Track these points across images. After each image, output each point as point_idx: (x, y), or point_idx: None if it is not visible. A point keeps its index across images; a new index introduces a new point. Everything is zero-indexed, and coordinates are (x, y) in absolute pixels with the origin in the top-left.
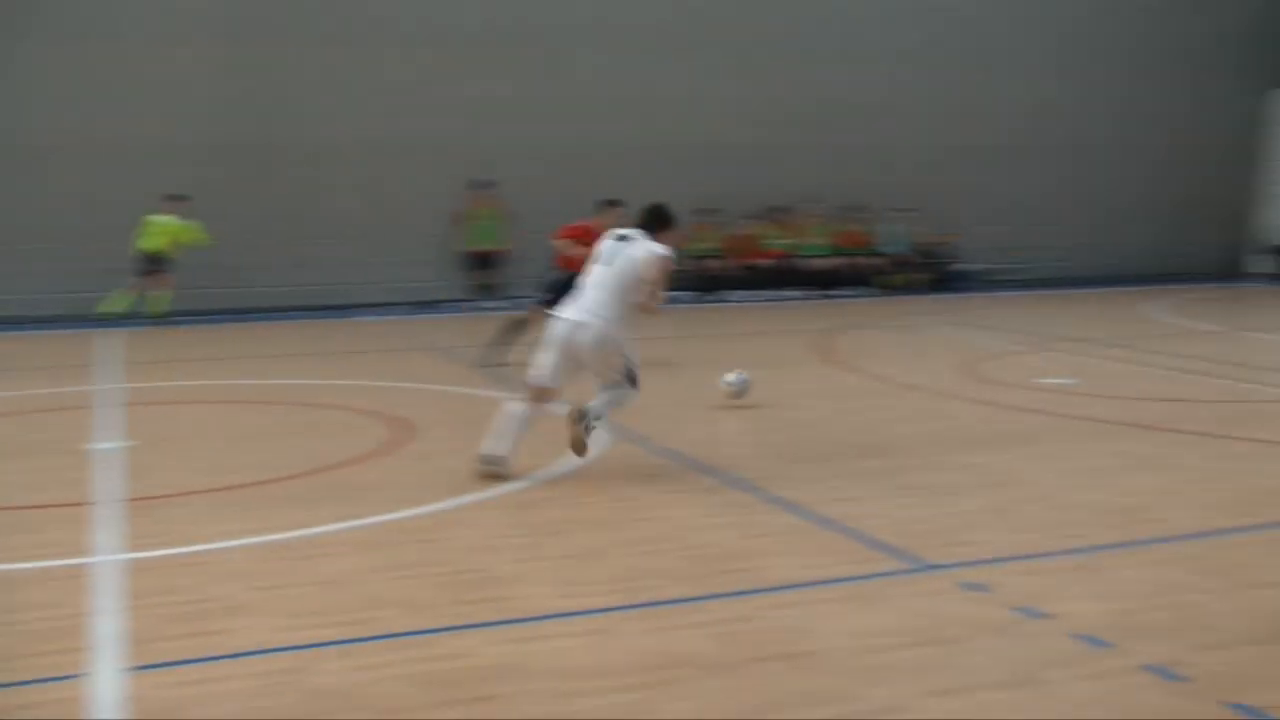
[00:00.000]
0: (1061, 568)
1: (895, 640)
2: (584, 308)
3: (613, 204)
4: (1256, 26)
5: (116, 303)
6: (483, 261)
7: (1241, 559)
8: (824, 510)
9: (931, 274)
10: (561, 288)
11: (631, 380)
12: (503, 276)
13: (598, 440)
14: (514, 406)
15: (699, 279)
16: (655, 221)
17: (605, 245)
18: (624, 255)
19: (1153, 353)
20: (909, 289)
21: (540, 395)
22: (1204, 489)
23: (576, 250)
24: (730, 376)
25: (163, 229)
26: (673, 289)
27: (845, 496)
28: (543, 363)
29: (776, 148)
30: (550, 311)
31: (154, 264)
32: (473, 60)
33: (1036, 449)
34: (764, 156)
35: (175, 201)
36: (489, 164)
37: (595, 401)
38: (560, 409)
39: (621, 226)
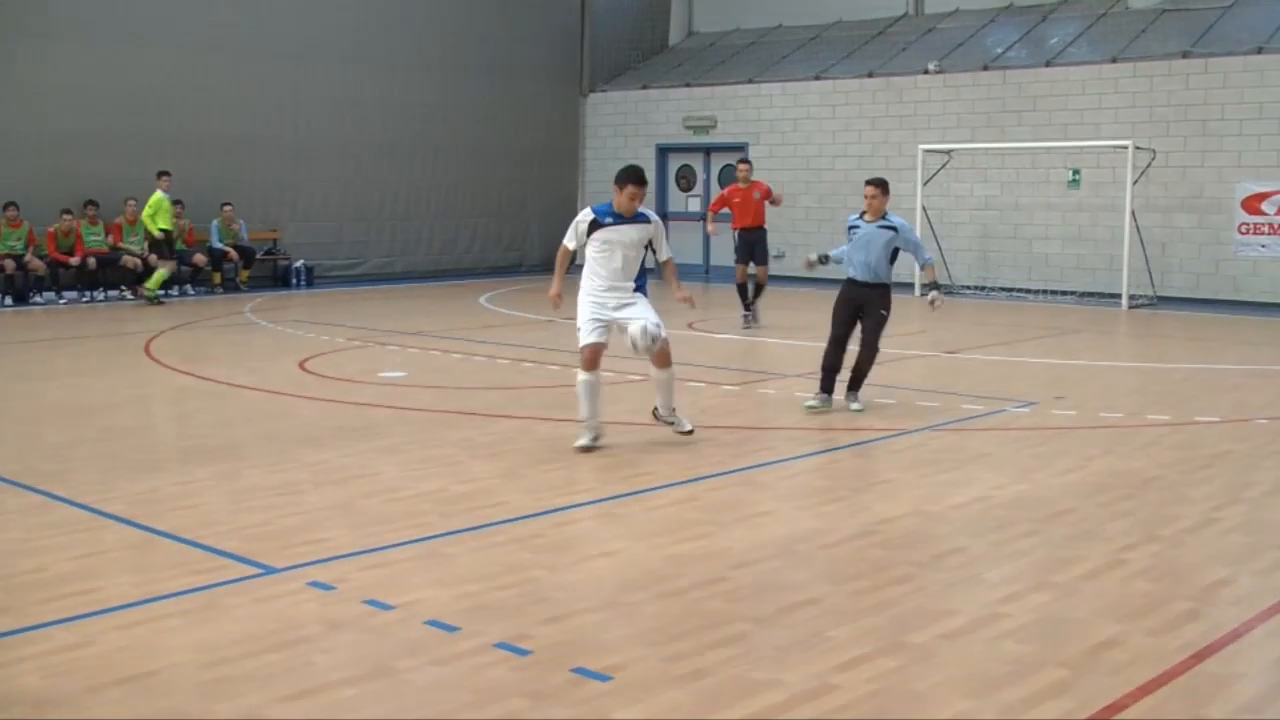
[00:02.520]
0: (407, 557)
1: (244, 649)
2: None
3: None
4: (571, 35)
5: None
6: None
7: (576, 534)
8: (161, 522)
9: (261, 270)
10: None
11: None
12: None
13: None
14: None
15: (5, 280)
16: None
17: None
18: None
19: (484, 343)
20: (237, 286)
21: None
22: (537, 471)
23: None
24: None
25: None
26: None
27: (183, 505)
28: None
29: (90, 136)
30: None
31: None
32: None
33: (377, 443)
34: (77, 146)
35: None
36: None
37: None
38: None
39: None
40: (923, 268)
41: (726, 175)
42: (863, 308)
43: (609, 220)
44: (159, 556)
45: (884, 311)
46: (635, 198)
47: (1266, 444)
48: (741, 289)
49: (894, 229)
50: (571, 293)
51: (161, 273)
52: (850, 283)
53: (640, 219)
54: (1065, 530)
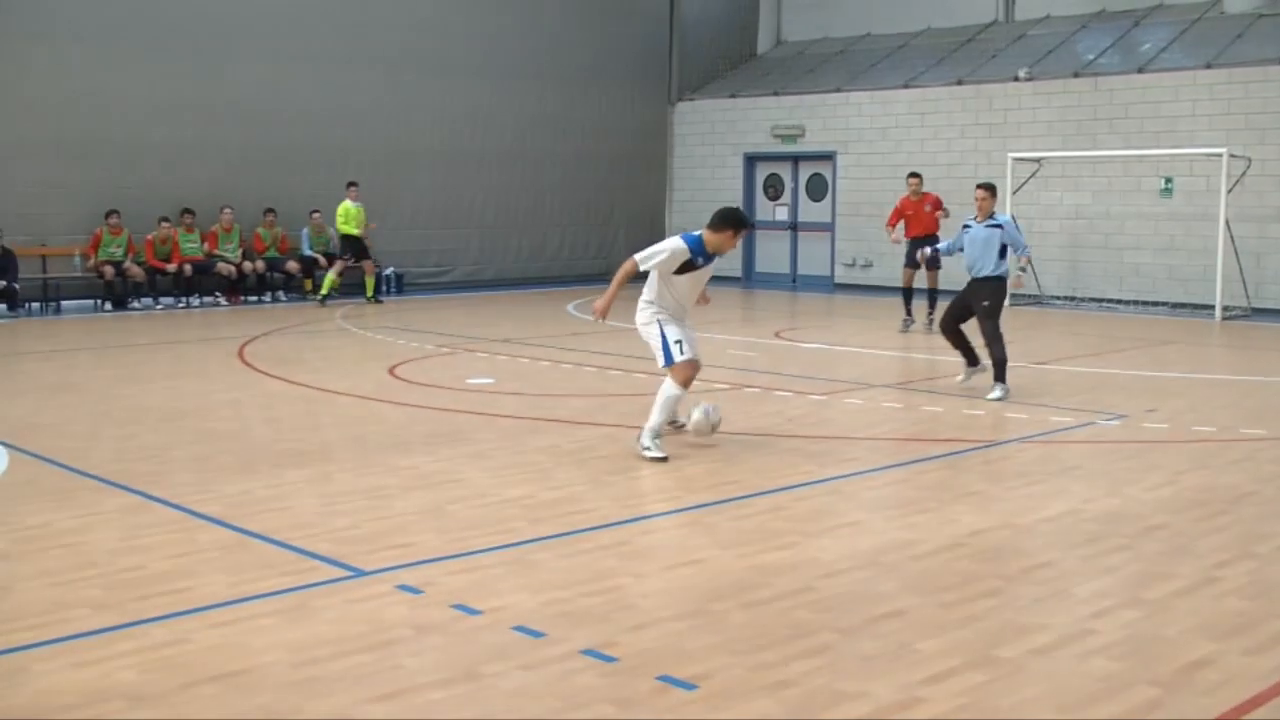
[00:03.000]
0: (495, 563)
1: (333, 650)
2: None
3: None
4: (660, 45)
5: (327, 284)
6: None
7: (663, 542)
8: (253, 523)
9: (352, 277)
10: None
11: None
12: None
13: None
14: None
15: (106, 286)
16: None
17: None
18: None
19: (572, 350)
20: (331, 293)
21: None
22: (624, 479)
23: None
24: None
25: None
26: (78, 297)
27: (274, 507)
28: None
29: (187, 146)
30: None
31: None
32: None
33: (466, 448)
34: (174, 155)
35: (353, 188)
36: None
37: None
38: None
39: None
40: (1019, 256)
41: (815, 184)
42: (971, 302)
43: (700, 261)
44: (251, 557)
45: (985, 303)
46: (734, 244)
47: None
48: (906, 293)
49: (999, 226)
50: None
51: (331, 276)
52: (969, 281)
53: (715, 256)
54: (1157, 546)
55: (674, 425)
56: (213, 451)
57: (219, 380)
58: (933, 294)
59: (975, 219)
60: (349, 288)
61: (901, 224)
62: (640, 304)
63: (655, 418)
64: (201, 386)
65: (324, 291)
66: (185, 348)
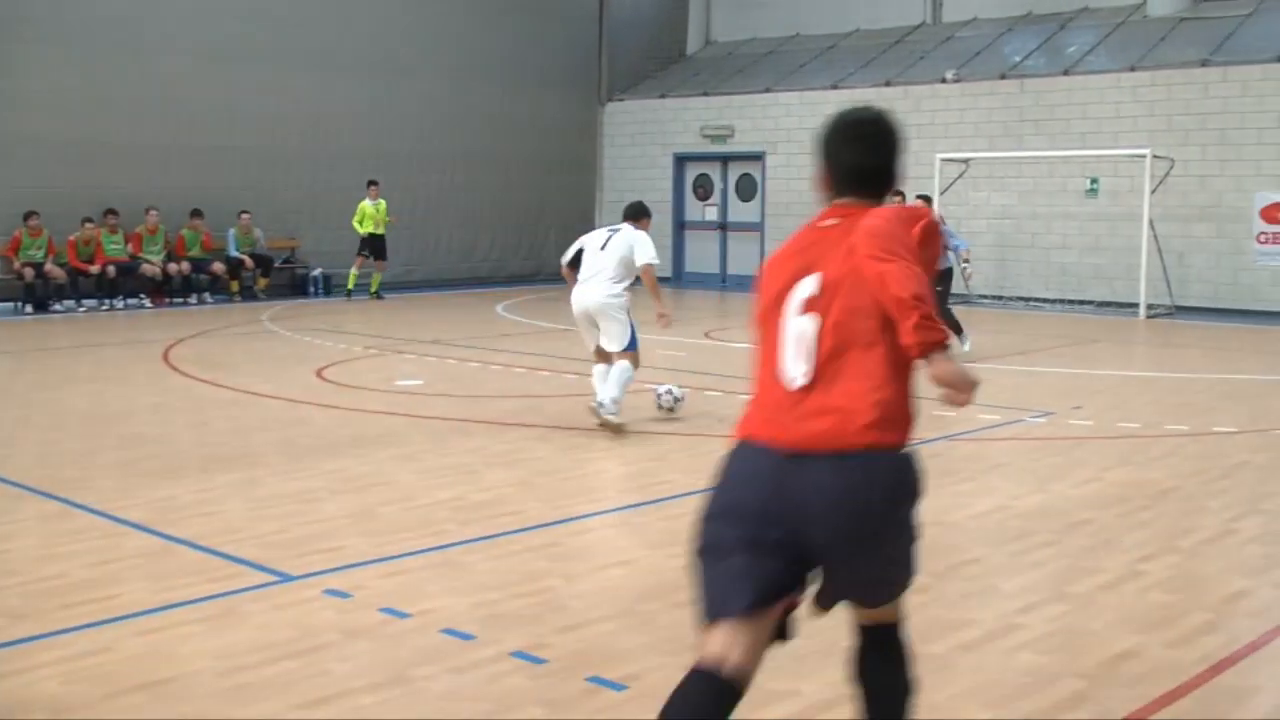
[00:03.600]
0: (424, 565)
1: (261, 656)
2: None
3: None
4: (589, 46)
5: (351, 280)
6: None
7: (593, 543)
8: (178, 529)
9: (279, 279)
10: None
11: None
12: None
13: None
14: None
15: (26, 288)
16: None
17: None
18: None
19: (502, 351)
20: (256, 295)
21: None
22: (554, 480)
23: None
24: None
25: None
26: None
27: (200, 512)
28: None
29: (111, 146)
30: None
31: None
32: None
33: (394, 451)
34: (98, 155)
35: (373, 187)
36: None
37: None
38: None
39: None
40: (961, 252)
41: (744, 184)
42: None
43: None
44: (177, 563)
45: (938, 288)
46: None
47: None
48: None
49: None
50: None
51: (354, 272)
52: None
53: None
54: (1083, 541)
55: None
56: (137, 457)
57: (143, 384)
58: None
59: None
60: (276, 289)
61: None
62: (615, 288)
63: (617, 391)
64: (125, 390)
65: (350, 286)
66: (109, 351)
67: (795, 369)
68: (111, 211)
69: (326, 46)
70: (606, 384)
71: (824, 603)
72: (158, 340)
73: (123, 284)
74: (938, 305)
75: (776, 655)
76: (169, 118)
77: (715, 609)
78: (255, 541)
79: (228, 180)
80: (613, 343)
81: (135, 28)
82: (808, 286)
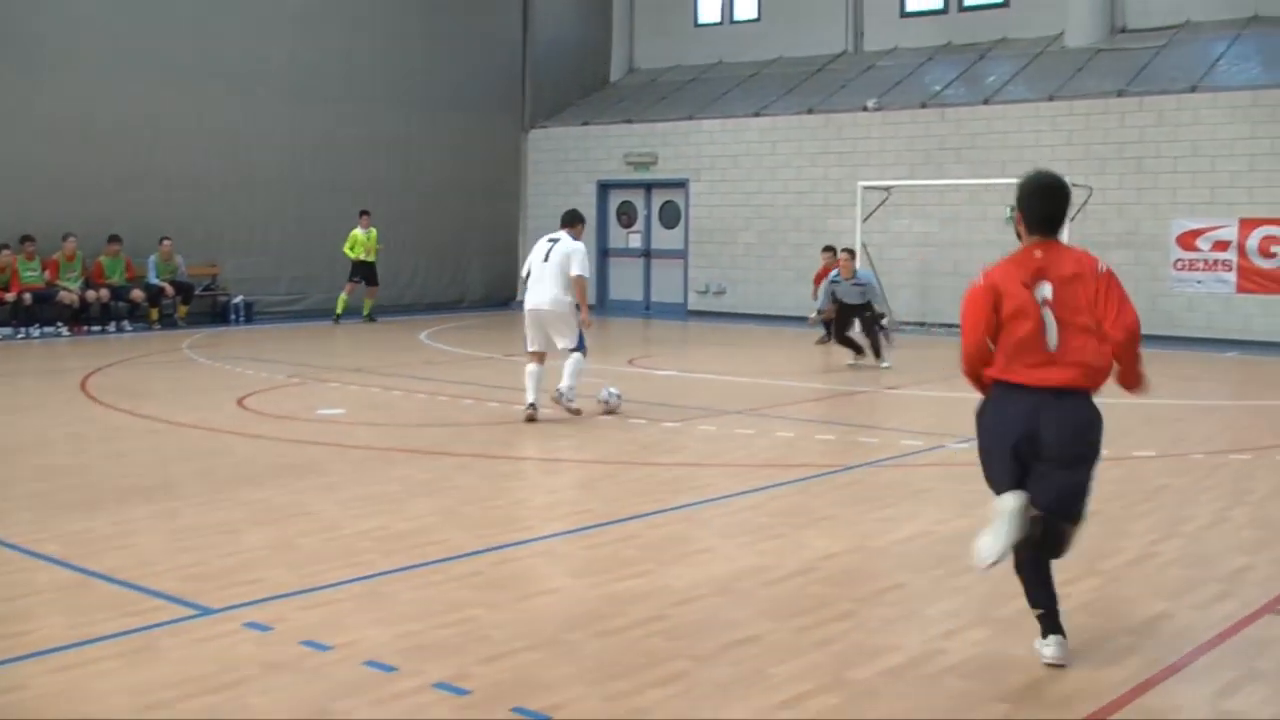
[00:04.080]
0: (346, 597)
1: (179, 691)
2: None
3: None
4: (512, 73)
5: (340, 304)
6: None
7: (517, 572)
8: (94, 562)
9: (200, 306)
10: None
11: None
12: None
13: None
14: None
15: None
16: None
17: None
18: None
19: (426, 379)
20: (175, 323)
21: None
22: (480, 508)
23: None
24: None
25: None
26: None
27: (117, 545)
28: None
29: (27, 170)
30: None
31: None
32: None
33: (317, 480)
34: (13, 180)
35: (364, 216)
36: None
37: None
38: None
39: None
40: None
41: (668, 211)
42: (853, 315)
43: None
44: (93, 598)
45: (867, 314)
46: None
47: (1203, 478)
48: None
49: (863, 284)
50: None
51: (344, 296)
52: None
53: None
54: (1005, 566)
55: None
56: (53, 488)
57: (60, 413)
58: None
59: (842, 277)
60: (196, 316)
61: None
62: (562, 295)
63: (571, 380)
64: (41, 420)
65: (338, 311)
66: (24, 379)
67: (1049, 340)
68: (28, 238)
69: (247, 71)
70: (564, 375)
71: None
72: (75, 369)
73: (39, 312)
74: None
75: (701, 683)
76: (87, 143)
77: (997, 486)
78: (174, 574)
79: (147, 206)
80: (565, 341)
81: (49, 51)
82: (1042, 292)
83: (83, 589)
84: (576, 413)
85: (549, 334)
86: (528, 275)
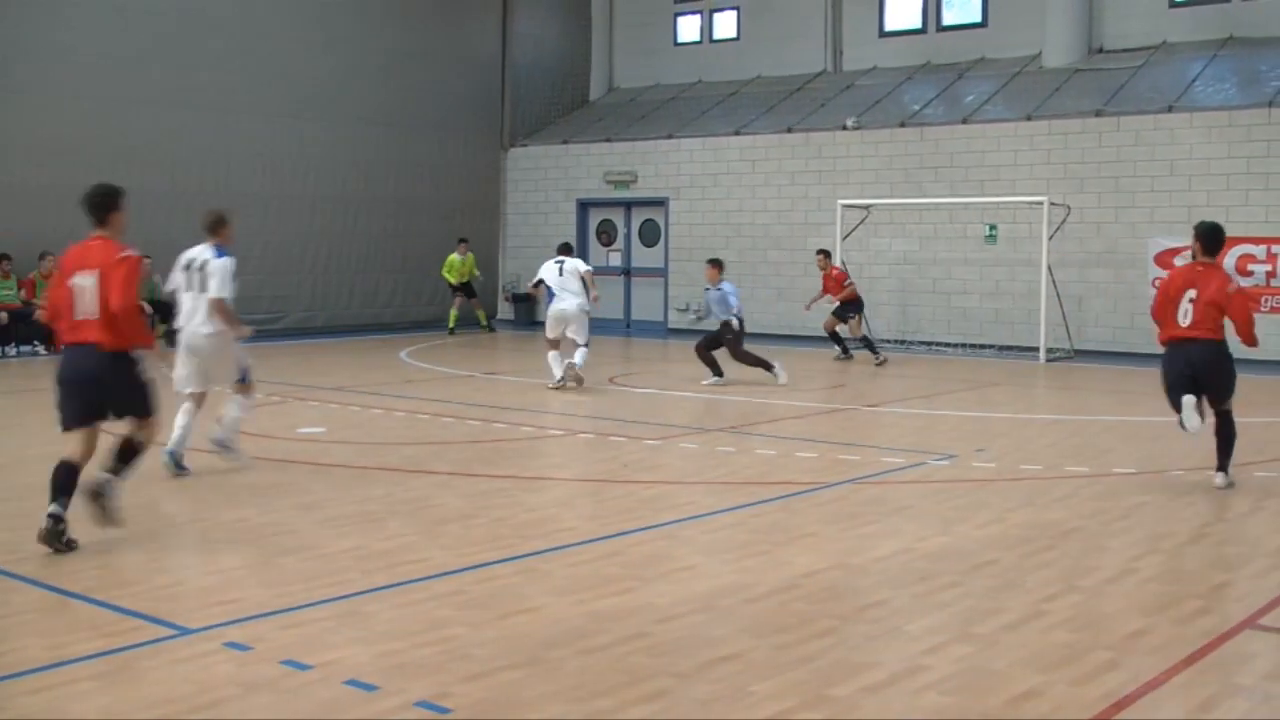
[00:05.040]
0: (326, 616)
1: (158, 712)
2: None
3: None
4: (492, 91)
5: (452, 319)
6: None
7: (498, 590)
8: (72, 583)
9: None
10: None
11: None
12: None
13: None
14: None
15: None
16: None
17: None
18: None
19: (405, 398)
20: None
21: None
22: (461, 526)
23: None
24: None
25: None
26: None
27: (95, 565)
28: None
29: (9, 189)
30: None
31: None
32: None
33: (296, 499)
34: None
35: (463, 244)
36: None
37: None
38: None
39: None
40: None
41: (648, 230)
42: (718, 336)
43: None
44: (71, 618)
45: (729, 336)
46: None
47: (1182, 495)
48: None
49: (720, 290)
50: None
51: (454, 312)
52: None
53: None
54: (986, 582)
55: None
56: (30, 509)
57: (37, 433)
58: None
59: (709, 285)
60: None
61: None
62: (583, 299)
63: (581, 361)
64: (18, 440)
65: (451, 325)
66: (1, 399)
67: (1186, 319)
68: (4, 256)
69: (227, 89)
70: (576, 358)
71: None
72: (51, 388)
73: (15, 331)
74: (736, 344)
75: (682, 701)
76: (63, 161)
77: (1173, 400)
78: (152, 594)
79: (132, 224)
80: (581, 335)
81: (25, 69)
82: (1191, 294)
83: (60, 609)
84: (580, 381)
85: (564, 330)
86: (535, 283)
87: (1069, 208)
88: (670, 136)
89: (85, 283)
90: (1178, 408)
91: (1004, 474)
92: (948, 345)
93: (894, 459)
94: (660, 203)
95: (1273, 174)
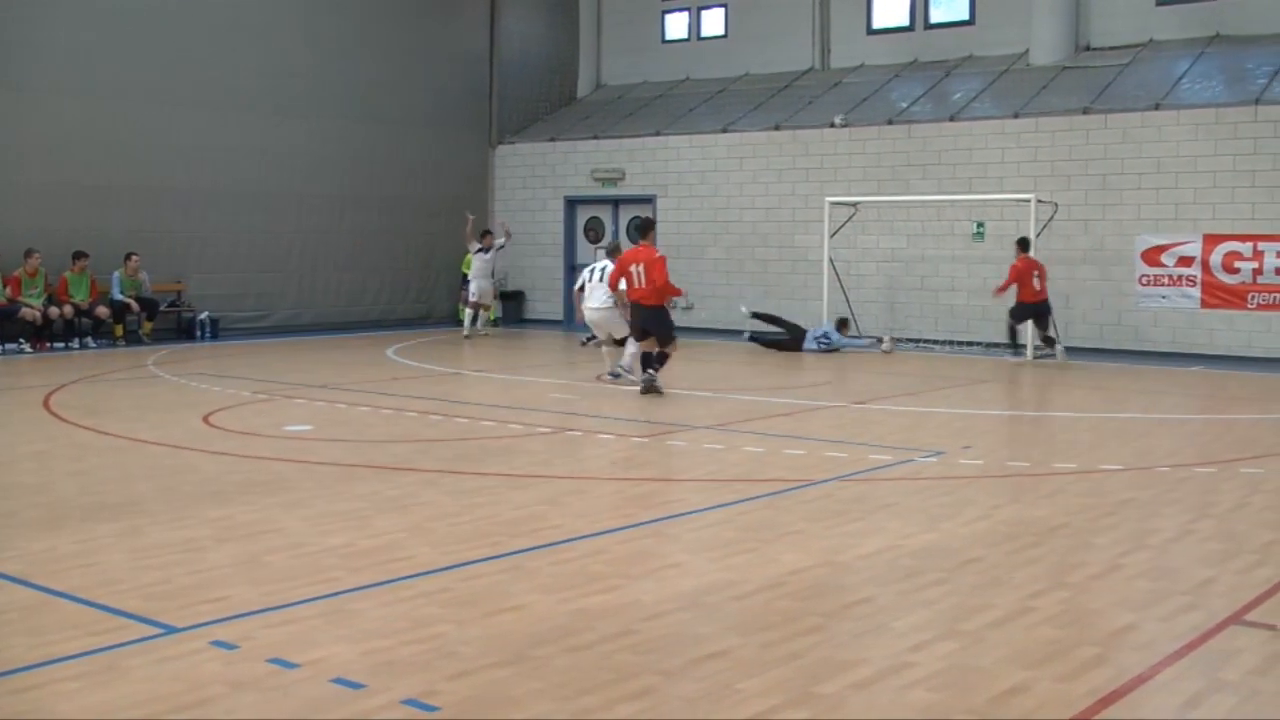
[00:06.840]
0: (313, 614)
1: (144, 711)
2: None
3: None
4: (480, 88)
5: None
6: None
7: (484, 588)
8: (57, 581)
9: (165, 323)
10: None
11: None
12: None
13: None
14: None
15: None
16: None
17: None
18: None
19: (392, 395)
20: (140, 339)
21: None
22: (447, 524)
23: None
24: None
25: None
26: None
27: (81, 564)
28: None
29: None
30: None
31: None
32: None
33: (283, 497)
34: None
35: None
36: None
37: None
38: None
39: None
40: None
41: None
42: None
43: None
44: (56, 617)
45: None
46: None
47: (1168, 491)
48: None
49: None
50: None
51: (469, 311)
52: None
53: None
54: (973, 579)
55: (615, 377)
56: (15, 507)
57: (23, 431)
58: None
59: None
60: (162, 333)
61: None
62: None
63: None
64: (3, 438)
65: (466, 325)
66: None
67: None
68: None
69: (213, 85)
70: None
71: None
72: (38, 386)
73: (1, 328)
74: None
75: (669, 698)
76: (50, 158)
77: None
78: (138, 593)
79: (111, 221)
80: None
81: (12, 67)
82: None
83: (45, 608)
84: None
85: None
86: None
87: (1056, 205)
88: (658, 134)
89: (636, 270)
90: None
91: (991, 471)
92: (935, 342)
93: (881, 456)
94: (648, 200)
95: (1259, 171)
